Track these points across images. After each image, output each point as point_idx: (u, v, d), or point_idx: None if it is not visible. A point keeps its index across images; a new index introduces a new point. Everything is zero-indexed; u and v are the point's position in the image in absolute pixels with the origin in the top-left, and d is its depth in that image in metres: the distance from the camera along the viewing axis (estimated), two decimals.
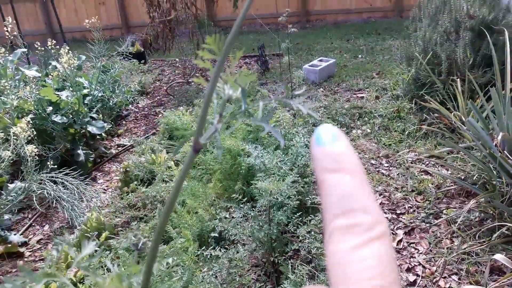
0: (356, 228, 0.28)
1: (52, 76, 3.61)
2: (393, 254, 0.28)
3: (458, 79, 3.31)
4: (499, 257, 1.81)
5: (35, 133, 2.86)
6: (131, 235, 0.74)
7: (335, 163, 0.30)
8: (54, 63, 3.81)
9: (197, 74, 5.96)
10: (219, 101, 0.36)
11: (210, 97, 0.33)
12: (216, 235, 2.33)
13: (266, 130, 0.34)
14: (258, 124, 0.35)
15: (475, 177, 2.67)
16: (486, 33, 3.19)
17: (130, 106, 4.87)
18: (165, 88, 5.63)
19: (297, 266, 2.06)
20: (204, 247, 2.22)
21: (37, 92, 3.25)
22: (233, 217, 2.28)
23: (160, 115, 4.60)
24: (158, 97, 5.37)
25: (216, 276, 2.02)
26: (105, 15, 9.39)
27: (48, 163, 2.86)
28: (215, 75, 0.33)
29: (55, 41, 3.60)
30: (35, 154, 2.73)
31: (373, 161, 3.30)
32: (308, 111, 0.35)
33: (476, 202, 2.48)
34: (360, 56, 6.07)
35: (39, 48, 3.57)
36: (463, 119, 2.82)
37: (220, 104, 0.35)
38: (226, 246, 2.37)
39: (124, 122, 4.64)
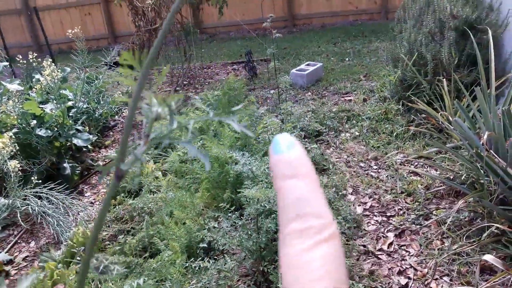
0: (308, 231, 0.29)
1: (36, 89, 3.56)
2: (342, 255, 0.30)
3: (444, 79, 3.31)
4: (489, 257, 1.79)
5: (18, 148, 2.81)
6: (93, 259, 0.71)
7: (291, 169, 0.31)
8: (37, 76, 3.76)
9: (185, 82, 5.93)
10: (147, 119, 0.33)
11: (131, 118, 0.31)
12: (205, 245, 2.30)
13: (190, 153, 0.32)
14: (183, 145, 0.33)
15: (463, 177, 2.66)
16: (470, 32, 3.20)
17: (116, 116, 4.82)
18: None
19: None
20: (192, 258, 2.18)
21: (21, 106, 3.20)
22: (222, 227, 2.25)
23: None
24: None
25: None
26: (92, 26, 9.35)
27: (33, 178, 2.81)
28: (137, 92, 0.30)
29: (36, 54, 3.55)
30: (19, 169, 2.69)
31: (362, 164, 3.28)
32: (242, 129, 0.33)
33: (465, 202, 2.47)
34: (347, 59, 6.09)
35: (21, 61, 3.52)
36: (450, 119, 2.81)
37: (147, 124, 0.33)
38: (215, 257, 2.34)
39: (111, 133, 4.59)
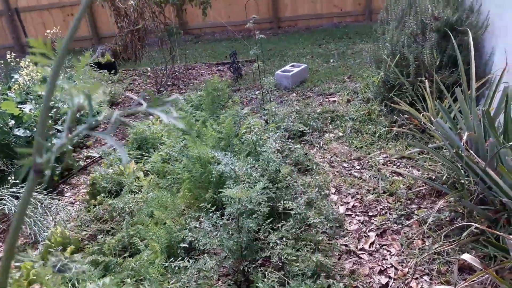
0: None
1: (14, 89, 3.50)
2: None
3: (426, 80, 3.34)
4: (467, 257, 1.80)
5: None
6: (52, 258, 0.69)
7: None
8: (16, 76, 3.69)
9: (169, 82, 5.89)
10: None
11: (46, 108, 0.29)
12: (186, 245, 2.27)
13: (108, 144, 0.30)
14: (101, 136, 0.31)
15: (444, 177, 2.68)
16: (451, 34, 3.23)
17: (98, 117, 4.75)
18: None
19: (268, 273, 2.01)
20: (172, 258, 2.15)
21: None
22: (203, 227, 2.22)
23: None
24: (129, 107, 5.26)
25: None
26: None
27: (9, 178, 2.75)
28: (51, 81, 0.29)
29: (15, 55, 3.48)
30: None
31: (345, 164, 3.29)
32: (171, 120, 0.32)
33: (446, 202, 2.48)
34: (331, 60, 6.11)
35: None
36: (432, 119, 2.83)
37: (69, 115, 0.31)
38: (196, 256, 2.31)
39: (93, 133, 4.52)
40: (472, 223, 2.06)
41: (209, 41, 8.68)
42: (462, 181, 2.38)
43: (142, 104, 0.33)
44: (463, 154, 2.20)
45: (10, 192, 2.73)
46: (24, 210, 0.30)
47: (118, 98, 5.49)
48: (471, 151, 2.28)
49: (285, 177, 2.78)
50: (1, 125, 3.15)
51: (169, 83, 5.89)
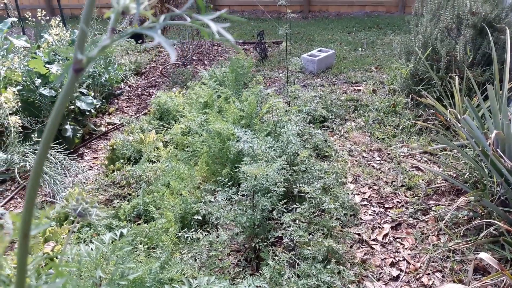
0: None
1: (43, 48, 3.52)
2: None
3: (456, 76, 3.25)
4: (485, 256, 1.76)
5: (20, 105, 2.78)
6: (73, 201, 0.68)
7: None
8: (46, 35, 3.71)
9: (194, 57, 5.87)
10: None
11: (91, 2, 0.27)
12: (200, 218, 2.28)
13: (156, 41, 0.29)
14: (149, 34, 0.30)
15: (466, 176, 2.63)
16: (488, 30, 3.13)
17: (122, 84, 4.78)
18: (160, 69, 5.54)
19: (279, 253, 2.01)
20: (186, 229, 2.17)
21: (26, 63, 3.17)
22: (218, 201, 2.22)
23: (153, 95, 4.53)
24: (152, 78, 5.28)
25: (196, 259, 1.97)
26: None
27: (33, 135, 2.78)
28: None
29: (45, 13, 3.50)
30: (19, 125, 2.66)
31: (365, 154, 3.25)
32: (220, 30, 0.30)
33: (466, 200, 2.44)
34: (360, 49, 6.00)
35: (30, 18, 3.46)
36: (459, 116, 2.77)
37: (113, 16, 0.29)
38: (209, 230, 2.32)
39: (116, 100, 4.56)
40: (494, 222, 2.02)
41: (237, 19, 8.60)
42: (485, 181, 2.33)
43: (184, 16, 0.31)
44: (489, 153, 2.14)
45: (33, 149, 2.77)
46: (52, 133, 0.29)
47: (143, 68, 5.51)
48: (498, 150, 2.22)
49: (303, 161, 2.76)
50: (28, 83, 3.19)
51: (194, 58, 5.88)
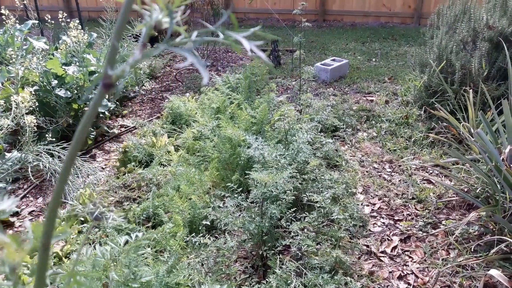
0: None
1: (61, 50, 3.58)
2: None
3: (471, 90, 3.23)
4: (495, 273, 1.74)
5: (37, 104, 2.83)
6: (90, 205, 0.69)
7: None
8: (64, 37, 3.77)
9: (208, 63, 5.91)
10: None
11: (124, 18, 0.28)
12: (208, 223, 2.29)
13: (188, 61, 0.29)
14: (180, 53, 0.30)
15: (478, 190, 2.60)
16: (504, 45, 3.11)
17: (136, 88, 4.83)
18: (174, 73, 5.59)
19: (286, 262, 2.01)
20: (194, 234, 2.18)
21: (44, 64, 3.22)
22: (226, 207, 2.23)
23: (167, 100, 4.57)
24: (166, 82, 5.33)
25: (203, 264, 1.98)
26: None
27: (47, 135, 2.83)
28: None
29: (66, 14, 3.56)
30: (35, 125, 2.70)
31: (375, 165, 3.23)
32: (252, 48, 0.31)
33: (477, 215, 2.41)
34: (374, 59, 5.99)
35: (49, 20, 3.52)
36: (472, 130, 2.75)
37: (145, 30, 0.30)
38: (217, 235, 2.33)
39: (130, 103, 4.61)
40: (506, 238, 1.99)
41: (252, 27, 8.65)
42: (497, 196, 2.30)
43: (217, 33, 0.32)
44: (502, 168, 2.12)
45: (46, 149, 2.81)
46: (83, 134, 0.30)
47: (157, 72, 5.56)
48: (511, 166, 2.19)
49: (313, 170, 2.75)
50: (45, 84, 3.24)
51: (208, 63, 5.92)
